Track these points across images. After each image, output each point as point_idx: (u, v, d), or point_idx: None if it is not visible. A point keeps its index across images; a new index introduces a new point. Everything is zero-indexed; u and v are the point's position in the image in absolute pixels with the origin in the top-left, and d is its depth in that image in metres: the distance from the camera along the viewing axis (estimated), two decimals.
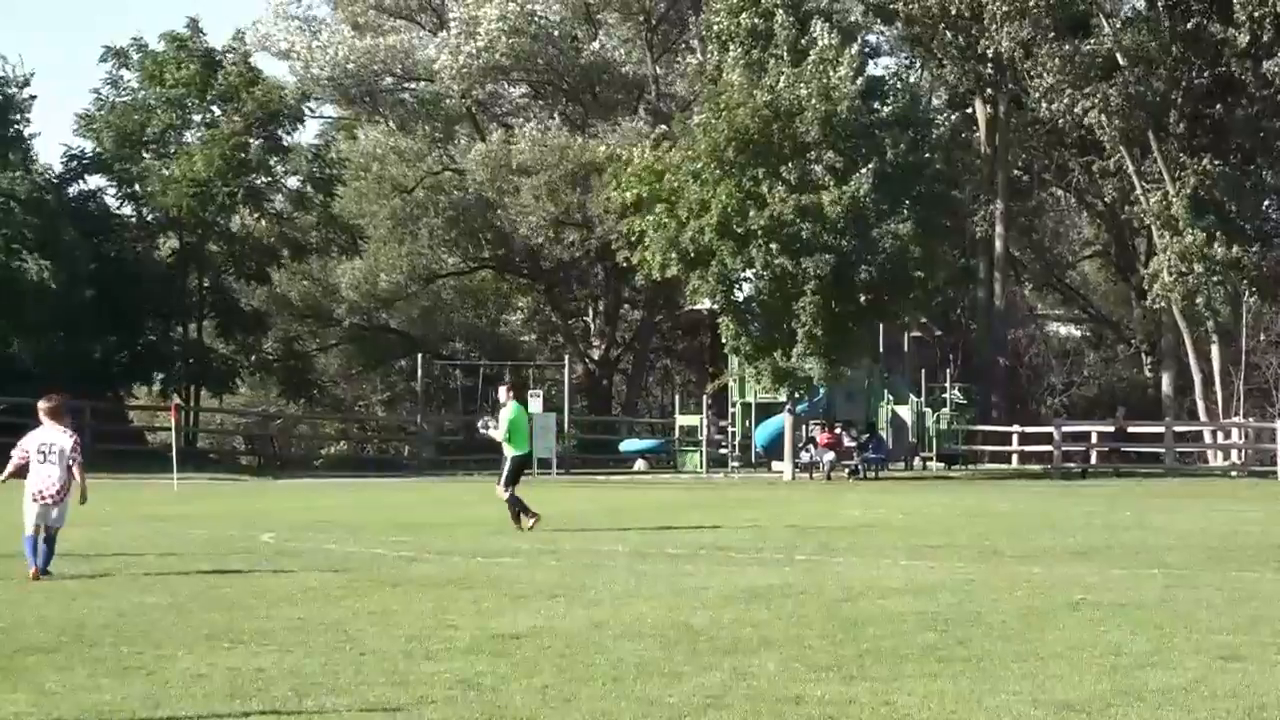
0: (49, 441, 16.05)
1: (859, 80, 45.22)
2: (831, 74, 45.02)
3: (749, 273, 45.99)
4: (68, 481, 16.14)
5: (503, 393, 24.65)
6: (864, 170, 44.43)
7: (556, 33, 68.92)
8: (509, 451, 23.93)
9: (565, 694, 9.94)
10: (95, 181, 56.83)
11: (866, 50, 51.39)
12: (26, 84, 52.73)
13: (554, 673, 10.69)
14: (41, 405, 16.51)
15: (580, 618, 13.42)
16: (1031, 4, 53.23)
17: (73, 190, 55.95)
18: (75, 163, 55.91)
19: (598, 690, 10.08)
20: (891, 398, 52.94)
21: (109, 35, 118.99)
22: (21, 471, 16.40)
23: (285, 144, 58.17)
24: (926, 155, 47.72)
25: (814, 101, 44.66)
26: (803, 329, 44.39)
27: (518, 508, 23.47)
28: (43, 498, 15.95)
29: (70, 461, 16.12)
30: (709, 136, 45.25)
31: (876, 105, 47.06)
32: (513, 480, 23.84)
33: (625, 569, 17.65)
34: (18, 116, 52.61)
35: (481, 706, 9.58)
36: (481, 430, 25.86)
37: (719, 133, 44.96)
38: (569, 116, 69.75)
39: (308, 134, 63.38)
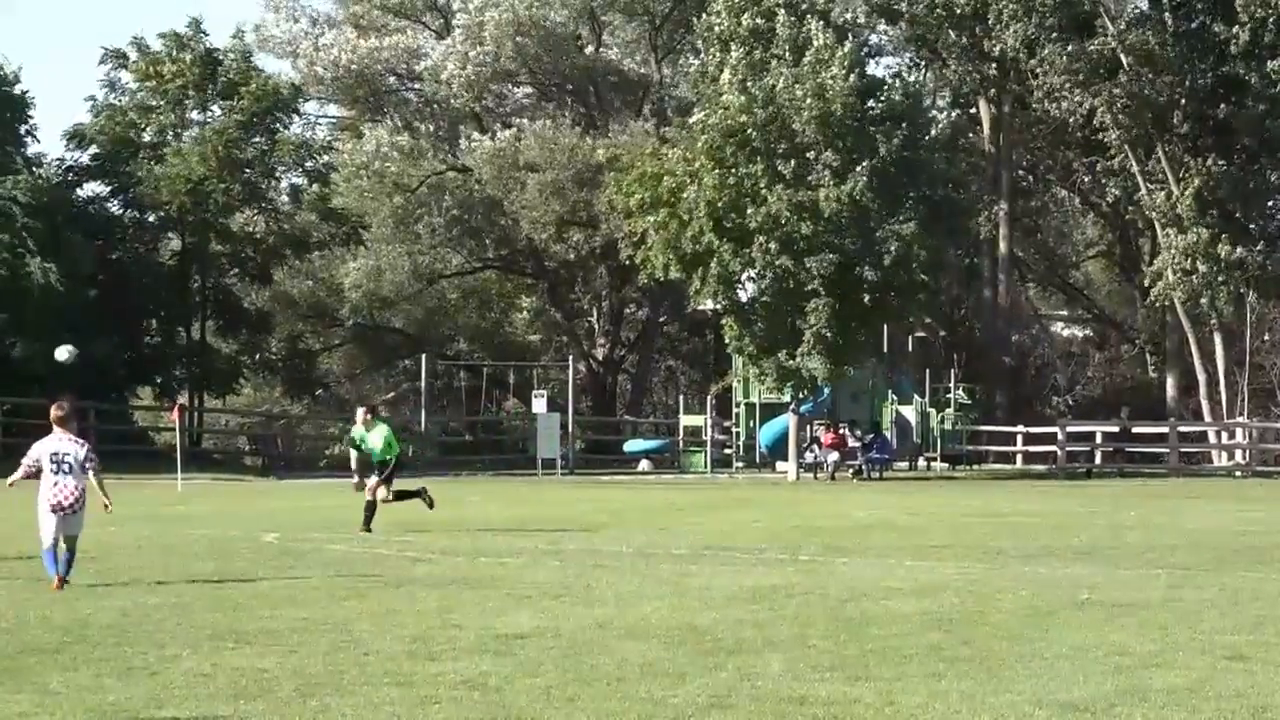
0: (62, 451, 15.79)
1: (851, 78, 45.06)
2: (825, 73, 44.93)
3: (751, 272, 45.90)
4: (84, 491, 15.92)
5: (360, 413, 24.60)
6: (859, 168, 44.27)
7: (559, 32, 68.84)
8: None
9: (569, 694, 9.95)
10: (92, 188, 56.81)
11: (868, 50, 51.23)
12: (17, 80, 52.62)
13: (558, 673, 10.69)
14: (52, 413, 16.36)
15: (584, 618, 13.42)
16: (1036, 3, 53.19)
17: (75, 193, 55.88)
18: (70, 174, 55.82)
19: (602, 690, 10.08)
20: (896, 398, 52.87)
21: (111, 39, 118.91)
22: (29, 477, 16.27)
23: (277, 138, 57.93)
24: (926, 153, 47.56)
25: (809, 100, 44.57)
26: (811, 329, 44.30)
27: (370, 512, 23.29)
28: (61, 509, 15.76)
29: (88, 469, 15.83)
30: (705, 136, 45.23)
31: (871, 103, 46.93)
32: (388, 481, 23.79)
33: (629, 569, 17.65)
34: (20, 115, 52.54)
35: (485, 707, 9.58)
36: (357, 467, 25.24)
37: (712, 129, 44.94)
38: (575, 119, 69.68)
39: (304, 130, 63.22)
